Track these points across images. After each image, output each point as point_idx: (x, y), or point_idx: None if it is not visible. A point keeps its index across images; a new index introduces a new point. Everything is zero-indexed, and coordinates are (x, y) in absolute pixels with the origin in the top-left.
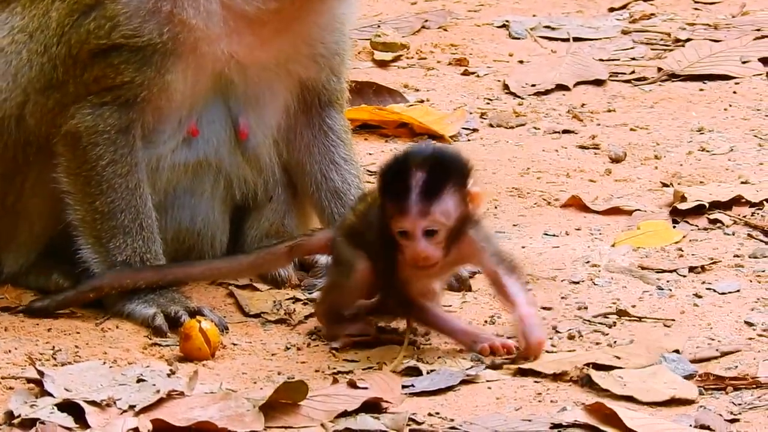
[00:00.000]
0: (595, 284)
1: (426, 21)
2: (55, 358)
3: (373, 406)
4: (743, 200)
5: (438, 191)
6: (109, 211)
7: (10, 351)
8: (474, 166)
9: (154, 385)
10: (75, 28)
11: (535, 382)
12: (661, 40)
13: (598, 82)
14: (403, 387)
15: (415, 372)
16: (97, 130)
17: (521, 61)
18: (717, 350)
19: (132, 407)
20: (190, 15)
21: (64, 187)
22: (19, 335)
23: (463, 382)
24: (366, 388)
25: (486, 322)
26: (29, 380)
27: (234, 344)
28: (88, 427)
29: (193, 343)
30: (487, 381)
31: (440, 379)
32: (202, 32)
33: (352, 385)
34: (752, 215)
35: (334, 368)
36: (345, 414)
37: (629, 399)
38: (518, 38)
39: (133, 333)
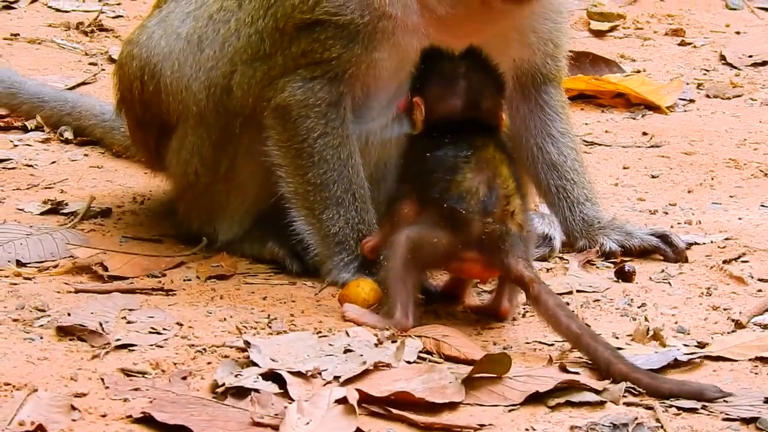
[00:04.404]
0: None
1: None
2: (270, 327)
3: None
4: None
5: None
6: (322, 182)
7: (225, 319)
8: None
9: (362, 355)
10: (281, 1)
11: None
12: None
13: None
14: None
15: None
16: (307, 104)
17: (738, 32)
18: None
19: (337, 378)
20: (386, 3)
21: (275, 160)
22: (235, 303)
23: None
24: (577, 373)
25: (702, 294)
26: (240, 350)
27: (449, 314)
28: (292, 398)
29: (348, 295)
30: (702, 357)
31: (656, 359)
32: (400, 21)
33: (563, 369)
34: None
35: (546, 341)
36: (546, 393)
37: None
38: (735, 9)
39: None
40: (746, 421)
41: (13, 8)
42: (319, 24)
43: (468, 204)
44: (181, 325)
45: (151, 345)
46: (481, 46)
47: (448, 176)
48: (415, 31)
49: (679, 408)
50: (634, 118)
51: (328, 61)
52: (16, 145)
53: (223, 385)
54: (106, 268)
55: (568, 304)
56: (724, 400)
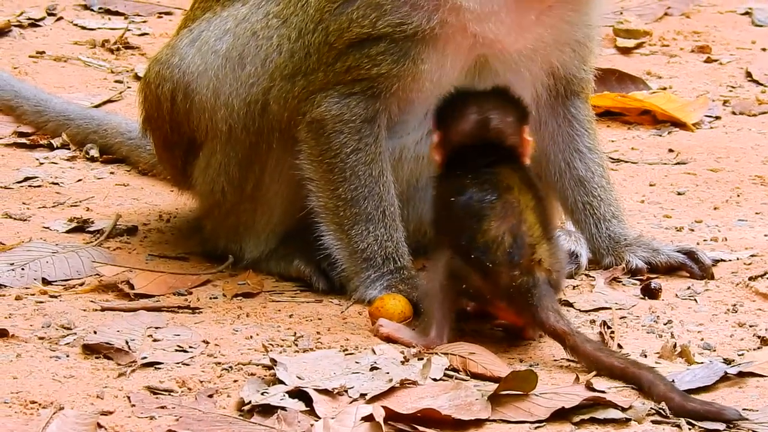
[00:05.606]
0: None
1: (669, 8)
2: (296, 344)
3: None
4: None
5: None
6: (352, 198)
7: (251, 337)
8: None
9: (388, 373)
10: (336, 16)
11: None
12: None
13: None
14: None
15: None
16: (342, 119)
17: (764, 49)
18: None
19: (363, 395)
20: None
21: (306, 173)
22: (261, 321)
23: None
24: (603, 391)
25: (728, 311)
26: (267, 367)
27: (476, 331)
28: (318, 416)
29: (382, 309)
30: (737, 376)
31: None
32: (472, 14)
33: (589, 387)
34: None
35: (573, 358)
36: (572, 410)
37: None
38: (761, 26)
39: None
40: None
41: (39, 26)
42: (375, 39)
43: (494, 256)
44: (208, 343)
45: (178, 363)
46: (526, 50)
47: (474, 224)
48: (486, 21)
49: (703, 427)
50: (660, 135)
51: (374, 77)
52: (42, 163)
53: (250, 402)
54: (132, 286)
55: (593, 321)
56: (749, 419)
